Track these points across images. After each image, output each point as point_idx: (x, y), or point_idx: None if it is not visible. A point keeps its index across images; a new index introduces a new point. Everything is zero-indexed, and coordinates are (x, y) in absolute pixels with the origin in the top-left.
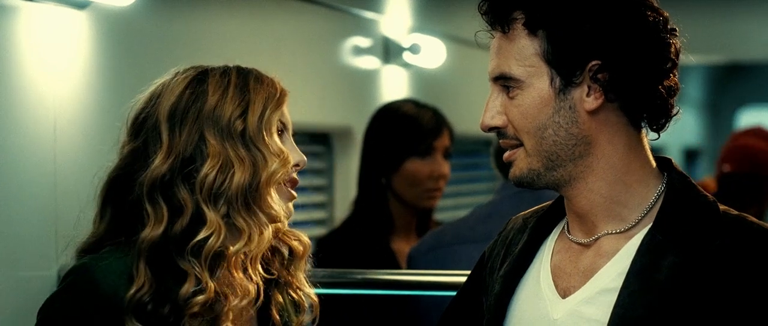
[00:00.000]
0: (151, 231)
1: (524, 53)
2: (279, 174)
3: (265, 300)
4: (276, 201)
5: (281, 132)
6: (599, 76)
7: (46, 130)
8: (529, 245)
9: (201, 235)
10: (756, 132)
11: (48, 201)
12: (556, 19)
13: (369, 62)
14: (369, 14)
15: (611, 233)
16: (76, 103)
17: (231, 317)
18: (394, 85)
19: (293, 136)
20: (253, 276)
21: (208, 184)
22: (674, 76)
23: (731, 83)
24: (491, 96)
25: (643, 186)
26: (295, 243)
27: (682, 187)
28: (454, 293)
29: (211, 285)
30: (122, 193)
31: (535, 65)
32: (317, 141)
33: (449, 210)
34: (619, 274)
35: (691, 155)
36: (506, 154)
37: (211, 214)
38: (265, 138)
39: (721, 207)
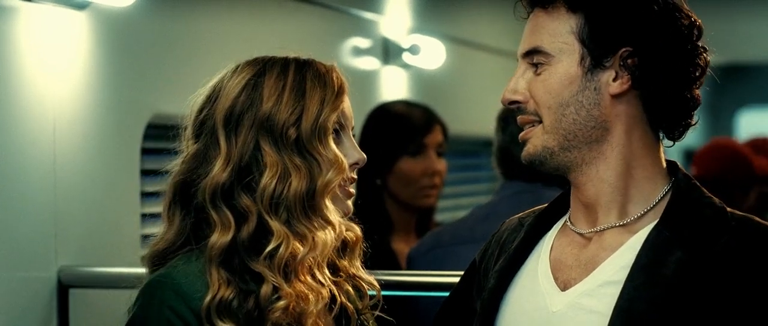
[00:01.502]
0: (220, 238)
1: (560, 30)
2: (334, 183)
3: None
4: (331, 210)
5: (338, 131)
6: (629, 62)
7: (45, 131)
8: (526, 241)
9: (271, 246)
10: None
11: (47, 202)
12: (598, 1)
13: (368, 63)
14: (368, 15)
15: (614, 226)
16: (76, 104)
17: (313, 319)
18: (393, 86)
19: None
20: (321, 279)
21: (268, 194)
22: (697, 88)
23: (731, 84)
24: (517, 71)
25: (650, 183)
26: (349, 234)
27: (688, 188)
28: None
29: (290, 291)
30: (188, 198)
31: (568, 43)
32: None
33: (449, 210)
34: (622, 268)
35: (690, 156)
36: (523, 133)
37: (275, 224)
38: (320, 144)
39: (728, 209)
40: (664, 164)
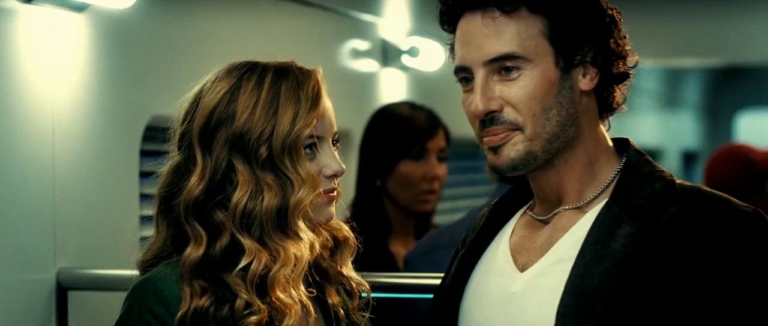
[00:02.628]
0: (192, 252)
1: (529, 32)
2: (306, 201)
3: (322, 295)
4: (303, 228)
5: (313, 145)
6: (593, 58)
7: (44, 133)
8: (486, 229)
9: (242, 263)
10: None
11: (46, 204)
12: (558, 2)
13: (367, 65)
14: (367, 17)
15: (569, 208)
16: (75, 106)
17: None
18: (392, 88)
19: None
20: (296, 295)
21: (240, 211)
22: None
23: (730, 86)
24: (481, 80)
25: (604, 168)
26: (339, 234)
27: (638, 163)
28: None
29: (263, 307)
30: (170, 210)
31: (539, 44)
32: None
33: (447, 213)
34: (573, 245)
35: (689, 158)
36: (497, 138)
37: (246, 241)
38: (291, 163)
39: (678, 180)
40: (611, 144)
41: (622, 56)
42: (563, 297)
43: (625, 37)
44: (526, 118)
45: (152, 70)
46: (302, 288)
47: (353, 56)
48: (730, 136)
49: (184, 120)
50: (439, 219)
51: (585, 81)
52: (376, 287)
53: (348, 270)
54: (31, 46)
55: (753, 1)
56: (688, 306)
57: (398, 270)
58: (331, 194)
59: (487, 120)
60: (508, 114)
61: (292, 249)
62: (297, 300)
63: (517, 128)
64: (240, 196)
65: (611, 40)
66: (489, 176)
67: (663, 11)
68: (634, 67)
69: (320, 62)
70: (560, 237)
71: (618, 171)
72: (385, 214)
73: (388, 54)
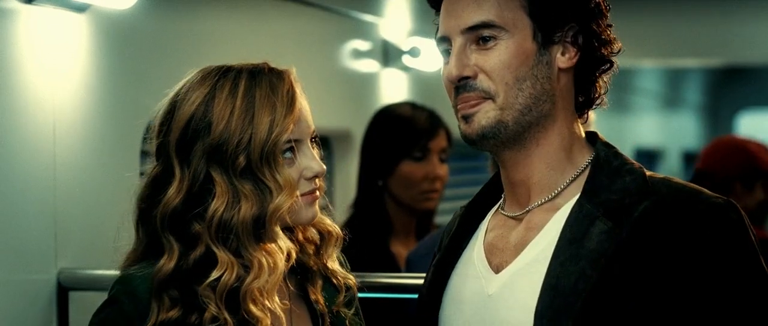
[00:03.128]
0: (164, 265)
1: (509, 4)
2: (284, 207)
3: (304, 292)
4: (280, 236)
5: (292, 149)
6: (574, 37)
7: (45, 133)
8: (460, 232)
9: (213, 275)
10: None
11: (47, 204)
12: None
13: (368, 65)
14: (368, 17)
15: (541, 204)
16: (76, 106)
17: None
18: (393, 89)
19: None
20: (270, 306)
21: (216, 222)
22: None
23: (730, 86)
24: (458, 47)
25: (577, 156)
26: (324, 228)
27: (607, 157)
28: None
29: (231, 320)
30: (149, 220)
31: (517, 17)
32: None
33: (448, 213)
34: (548, 244)
35: (689, 159)
36: (468, 106)
37: (220, 252)
38: (269, 170)
39: (648, 173)
40: (584, 136)
41: (605, 42)
42: (540, 298)
43: (610, 25)
44: (499, 87)
45: (153, 71)
46: (276, 299)
47: (354, 56)
48: None
49: (160, 131)
50: (440, 220)
51: (563, 59)
52: (377, 287)
53: (333, 264)
54: (32, 46)
55: (753, 2)
56: (665, 302)
57: (399, 270)
58: (312, 195)
59: (461, 87)
60: (482, 81)
61: (268, 259)
62: (268, 312)
63: (489, 96)
64: (217, 206)
65: (594, 24)
66: (490, 173)
67: (664, 12)
68: (617, 53)
69: (321, 62)
70: (534, 237)
71: (588, 164)
72: (386, 214)
73: (389, 54)
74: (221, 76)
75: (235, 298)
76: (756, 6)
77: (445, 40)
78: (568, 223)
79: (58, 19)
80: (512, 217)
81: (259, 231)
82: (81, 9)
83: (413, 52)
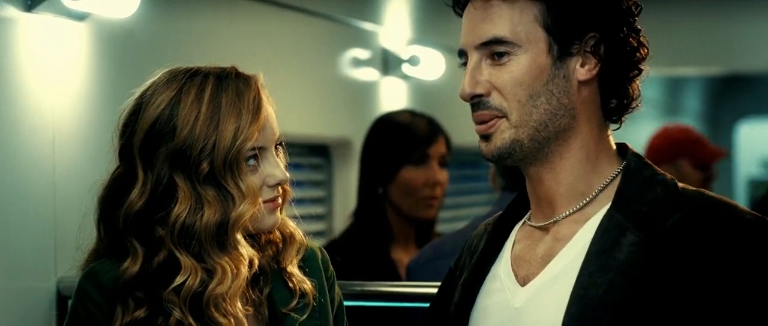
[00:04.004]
0: (129, 268)
1: (523, 18)
2: (247, 216)
3: (259, 292)
4: (242, 243)
5: (256, 156)
6: (595, 47)
7: (45, 141)
8: (489, 248)
9: (177, 280)
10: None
11: (47, 212)
12: None
13: (368, 74)
14: (368, 26)
15: (568, 215)
16: (75, 114)
17: None
18: (393, 97)
19: (293, 147)
20: (231, 311)
21: (179, 226)
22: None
23: (730, 95)
24: (473, 63)
25: (605, 167)
26: (285, 231)
27: (638, 167)
28: None
29: (195, 325)
30: (110, 219)
31: (532, 31)
32: (316, 152)
33: (449, 221)
34: (576, 256)
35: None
36: (484, 126)
37: (183, 257)
38: (232, 177)
39: (680, 184)
40: (614, 147)
41: (631, 49)
42: (568, 310)
43: (639, 30)
44: (512, 104)
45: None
46: (239, 305)
47: (354, 65)
48: (731, 144)
49: (123, 132)
50: (440, 228)
51: (582, 71)
52: (377, 295)
53: (292, 268)
54: (31, 54)
55: (754, 10)
56: (694, 316)
57: (399, 278)
58: (275, 202)
59: (475, 104)
60: (495, 99)
61: (231, 266)
62: (232, 317)
63: (502, 115)
64: (179, 212)
65: (618, 31)
66: (491, 184)
67: (664, 20)
68: (645, 59)
69: (320, 71)
70: (561, 249)
71: (617, 174)
72: (386, 222)
73: (388, 63)
74: (188, 80)
75: (199, 303)
76: (756, 14)
77: (463, 54)
78: (598, 234)
79: (57, 27)
80: (539, 228)
81: (222, 237)
82: (81, 17)
83: (413, 61)
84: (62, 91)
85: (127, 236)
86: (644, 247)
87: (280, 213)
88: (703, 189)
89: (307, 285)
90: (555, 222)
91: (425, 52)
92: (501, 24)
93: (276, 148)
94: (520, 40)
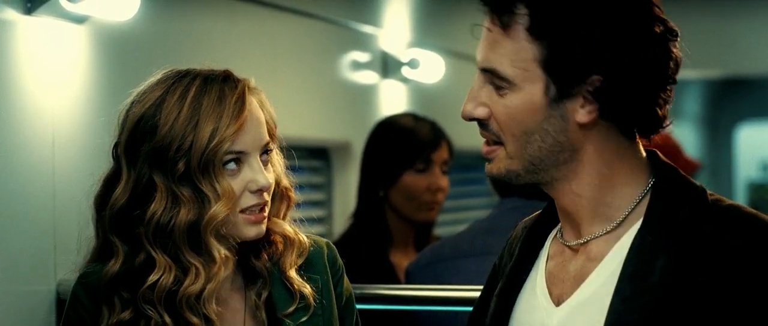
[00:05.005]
0: (111, 267)
1: (521, 56)
2: (220, 217)
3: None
4: (215, 246)
5: (237, 160)
6: (597, 88)
7: (44, 144)
8: (522, 257)
9: (150, 279)
10: None
11: (47, 215)
12: (562, 28)
13: (367, 77)
14: (367, 28)
15: (599, 235)
16: (75, 118)
17: None
18: (392, 100)
19: (292, 150)
20: (206, 312)
21: (154, 225)
22: (671, 88)
23: (730, 98)
24: (476, 84)
25: (630, 187)
26: (289, 236)
27: (668, 182)
28: (452, 308)
29: (171, 323)
30: (101, 219)
31: (530, 70)
32: (316, 155)
33: (448, 224)
34: (608, 277)
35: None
36: (485, 149)
37: (158, 255)
38: (208, 178)
39: (711, 196)
40: (644, 156)
41: (643, 87)
42: None
43: (667, 51)
44: (507, 136)
45: None
46: (213, 305)
47: (353, 68)
48: (730, 147)
49: (118, 131)
50: (439, 231)
51: (582, 112)
52: (376, 298)
53: (292, 272)
54: (31, 57)
55: (753, 13)
56: None
57: (398, 281)
58: (259, 213)
59: (478, 122)
60: (493, 125)
61: (204, 266)
62: (215, 316)
63: (500, 141)
64: (154, 209)
65: (628, 72)
66: (490, 189)
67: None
68: (674, 74)
69: (320, 74)
70: (593, 269)
71: (647, 190)
72: (386, 225)
73: (388, 66)
74: (177, 81)
75: (173, 302)
76: (756, 17)
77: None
78: (630, 257)
79: (57, 30)
80: (570, 247)
81: (196, 238)
82: (80, 20)
83: (412, 64)
84: (62, 93)
85: (111, 235)
86: (677, 271)
87: (284, 218)
88: (737, 204)
89: (307, 288)
90: (586, 242)
91: (425, 55)
92: (500, 59)
93: (267, 153)
94: (516, 77)
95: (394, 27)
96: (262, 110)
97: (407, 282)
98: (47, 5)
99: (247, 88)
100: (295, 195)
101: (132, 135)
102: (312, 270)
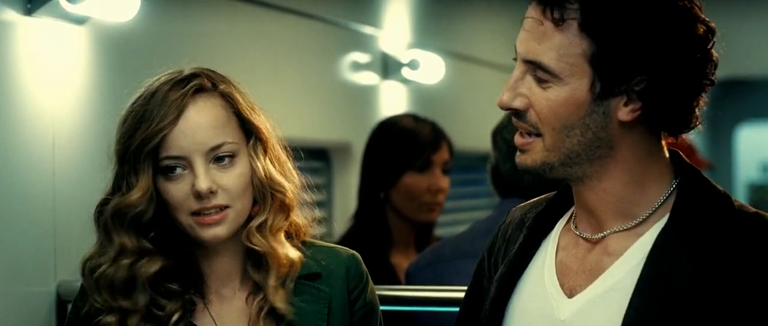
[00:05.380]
0: (90, 254)
1: (570, 51)
2: (122, 205)
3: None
4: (116, 231)
5: (182, 165)
6: (641, 88)
7: (44, 145)
8: (527, 244)
9: (98, 260)
10: None
11: (47, 216)
12: (613, 25)
13: (368, 78)
14: (368, 30)
15: (619, 230)
16: (75, 119)
17: None
18: (392, 101)
19: (292, 151)
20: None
21: (98, 208)
22: (708, 89)
23: (730, 99)
24: (517, 74)
25: (655, 185)
26: (270, 253)
27: (693, 185)
28: (453, 309)
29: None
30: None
31: (577, 65)
32: (316, 156)
33: (448, 225)
34: (627, 273)
35: None
36: (520, 141)
37: (110, 241)
38: (135, 172)
39: (736, 202)
40: (668, 156)
41: (684, 88)
42: None
43: (706, 55)
44: (546, 129)
45: None
46: (141, 297)
47: (354, 69)
48: (731, 148)
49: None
50: (440, 232)
51: (625, 111)
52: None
53: (275, 289)
54: (31, 58)
55: (753, 14)
56: None
57: (399, 282)
58: (212, 217)
59: (514, 113)
60: (532, 117)
61: (114, 251)
62: (134, 304)
63: (538, 133)
64: (105, 196)
65: (672, 74)
66: (491, 190)
67: None
68: (711, 78)
69: (320, 75)
70: (612, 263)
71: (671, 191)
72: (386, 226)
73: (388, 66)
74: (156, 80)
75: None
76: (756, 18)
77: (516, 56)
78: (653, 256)
79: (57, 31)
80: (587, 239)
81: (113, 223)
82: (80, 21)
83: (412, 65)
84: (62, 94)
85: (96, 225)
86: (700, 272)
87: (281, 228)
88: (761, 212)
89: (285, 307)
90: (605, 236)
91: (425, 55)
92: (547, 50)
93: (226, 158)
94: (562, 71)
95: (395, 28)
96: (235, 110)
97: (407, 283)
98: (47, 6)
99: (194, 90)
100: (306, 196)
101: (117, 131)
102: (324, 283)
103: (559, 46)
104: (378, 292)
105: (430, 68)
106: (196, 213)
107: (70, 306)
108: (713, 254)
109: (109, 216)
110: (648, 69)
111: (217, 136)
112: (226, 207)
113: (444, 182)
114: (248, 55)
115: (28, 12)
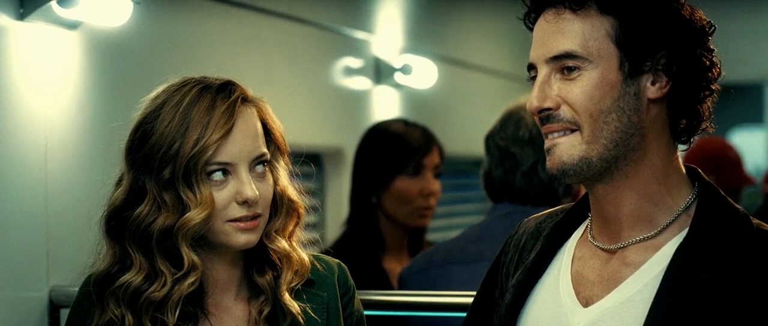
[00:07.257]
0: (98, 267)
1: (595, 33)
2: (193, 223)
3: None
4: (186, 253)
5: (225, 171)
6: (666, 66)
7: (37, 149)
8: (544, 252)
9: (122, 279)
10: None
11: (39, 221)
12: (631, 3)
13: (360, 83)
14: (360, 35)
15: (638, 241)
16: (67, 123)
17: None
18: (385, 106)
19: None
20: (166, 320)
21: (135, 226)
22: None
23: (723, 103)
24: (542, 77)
25: (675, 192)
26: (284, 255)
27: (713, 200)
28: (445, 314)
29: (133, 322)
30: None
31: (604, 46)
32: (308, 161)
33: (441, 230)
34: (645, 285)
35: None
36: (553, 139)
37: (137, 258)
38: (190, 185)
39: (754, 220)
40: (684, 170)
41: (703, 69)
42: None
43: (711, 50)
44: (583, 118)
45: (145, 88)
46: (173, 317)
47: (346, 74)
48: None
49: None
50: (432, 237)
51: (653, 89)
52: (369, 304)
53: (285, 293)
54: (24, 62)
55: (745, 20)
56: None
57: (392, 287)
58: (249, 222)
59: (544, 118)
60: (565, 112)
61: (170, 273)
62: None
63: (575, 127)
64: (139, 212)
65: (690, 50)
66: (483, 195)
67: None
68: (718, 78)
69: (313, 79)
70: (631, 274)
71: (690, 203)
72: (379, 231)
73: (381, 71)
74: (178, 88)
75: (137, 306)
76: (748, 23)
77: (532, 68)
78: (672, 269)
79: (49, 35)
80: (604, 250)
81: (168, 243)
82: (73, 26)
83: (405, 70)
84: (54, 99)
85: (106, 236)
86: (719, 288)
87: (291, 235)
88: None
89: (295, 308)
90: (623, 247)
91: (417, 60)
92: (572, 38)
93: (263, 164)
94: (591, 54)
95: (387, 33)
96: (263, 121)
97: (400, 288)
98: (40, 11)
99: (240, 99)
100: (301, 204)
101: (131, 140)
102: (319, 288)
103: (583, 30)
104: (370, 297)
105: (423, 73)
106: (233, 220)
107: (64, 314)
108: (733, 270)
109: (159, 235)
110: (669, 44)
111: (261, 145)
112: (260, 215)
113: (435, 186)
114: (241, 60)
115: (21, 16)
